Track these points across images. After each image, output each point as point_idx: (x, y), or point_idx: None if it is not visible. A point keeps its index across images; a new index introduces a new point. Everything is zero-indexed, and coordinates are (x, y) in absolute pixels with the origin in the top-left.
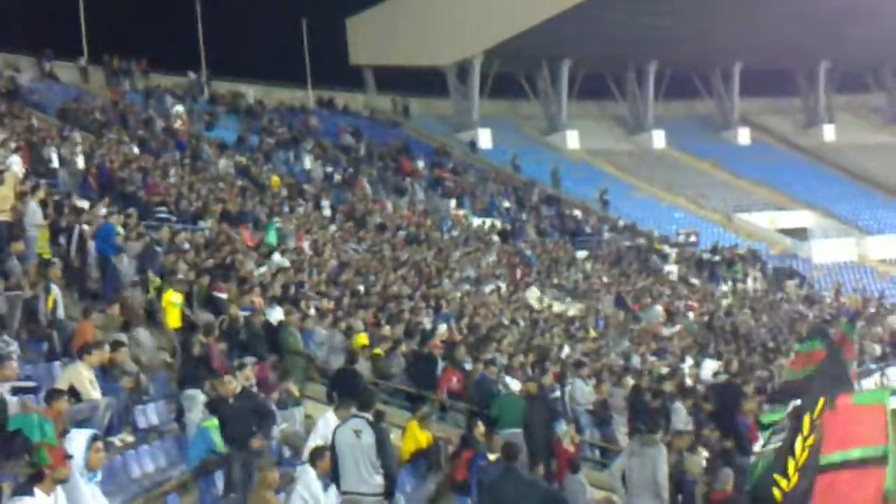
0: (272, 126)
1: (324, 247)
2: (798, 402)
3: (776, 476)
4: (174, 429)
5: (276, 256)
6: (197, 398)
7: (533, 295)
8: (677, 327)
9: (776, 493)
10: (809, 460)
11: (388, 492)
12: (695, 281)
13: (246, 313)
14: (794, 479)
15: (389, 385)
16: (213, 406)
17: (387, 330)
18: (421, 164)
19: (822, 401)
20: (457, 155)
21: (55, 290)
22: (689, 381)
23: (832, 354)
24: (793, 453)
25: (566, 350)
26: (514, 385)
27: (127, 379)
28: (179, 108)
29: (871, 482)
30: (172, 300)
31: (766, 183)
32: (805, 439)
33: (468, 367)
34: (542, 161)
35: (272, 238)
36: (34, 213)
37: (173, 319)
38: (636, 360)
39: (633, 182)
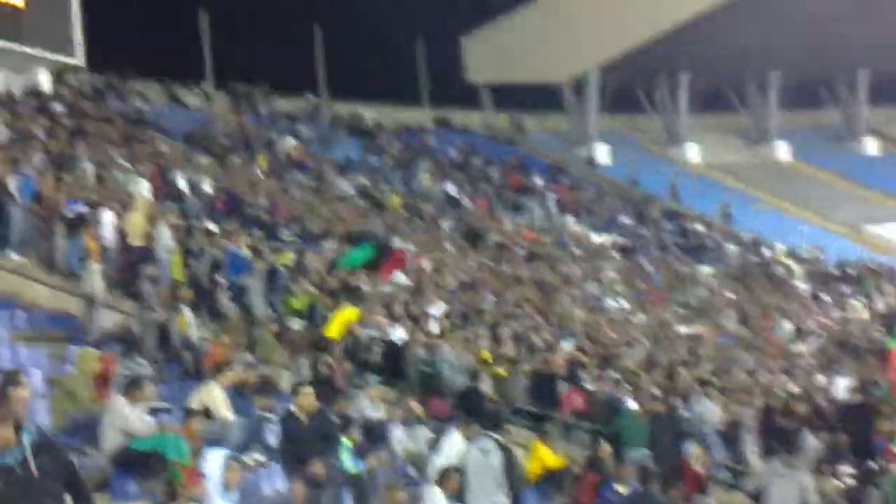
0: (391, 146)
1: (443, 265)
2: None
3: None
4: None
5: (398, 275)
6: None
7: (657, 314)
8: (806, 344)
9: None
10: None
11: None
12: (824, 296)
13: (369, 333)
14: None
15: (511, 404)
16: (284, 420)
17: (508, 348)
18: (538, 180)
19: None
20: (574, 171)
21: (187, 312)
22: (820, 401)
23: None
24: None
25: (691, 368)
26: (633, 404)
27: (259, 398)
28: (291, 142)
29: None
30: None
31: None
32: None
33: (591, 386)
34: (662, 175)
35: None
36: (165, 236)
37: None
38: (765, 378)
39: (756, 195)
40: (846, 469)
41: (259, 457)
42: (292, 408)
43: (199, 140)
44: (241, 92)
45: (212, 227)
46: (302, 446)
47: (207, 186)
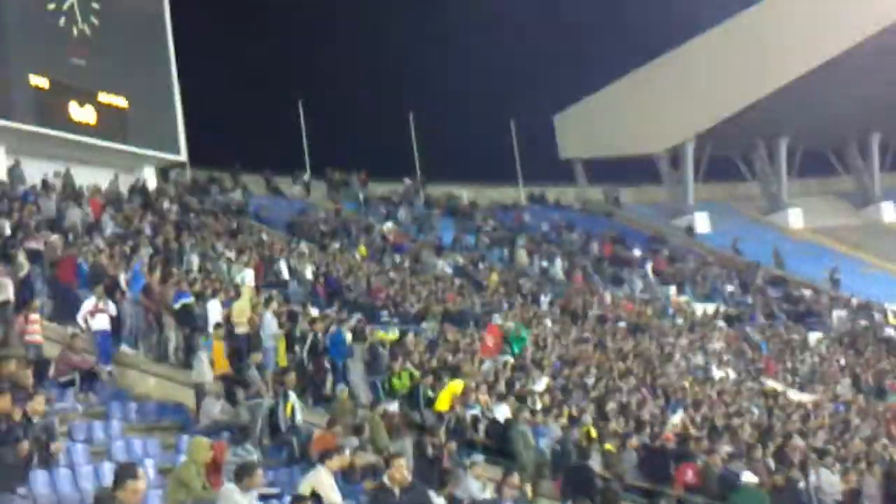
0: (486, 224)
1: (545, 341)
2: None
3: None
4: None
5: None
6: (432, 499)
7: (769, 383)
8: None
9: None
10: None
11: None
12: None
13: (473, 412)
14: None
15: (622, 480)
16: (375, 494)
17: (615, 423)
18: (637, 252)
19: None
20: (673, 241)
21: (292, 397)
22: None
23: None
24: None
25: (806, 438)
26: (750, 477)
27: (369, 482)
28: (389, 225)
29: None
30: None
31: None
32: None
33: (703, 459)
34: (764, 242)
35: (516, 347)
36: (270, 323)
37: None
38: (883, 446)
39: (863, 257)
40: None
41: None
42: (385, 480)
43: (299, 228)
44: (338, 179)
45: (314, 312)
46: None
47: (308, 273)
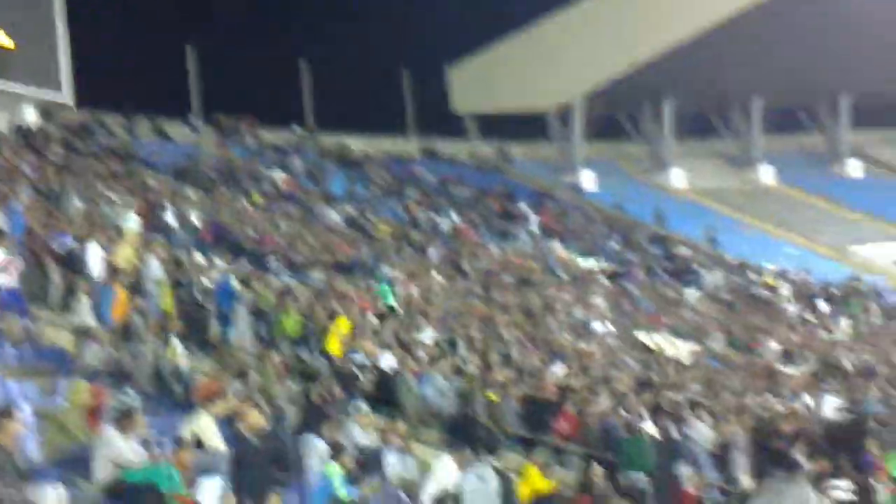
0: (378, 176)
1: (432, 293)
2: None
3: None
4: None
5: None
6: (317, 445)
7: (645, 337)
8: (794, 365)
9: None
10: None
11: None
12: (810, 317)
13: (358, 358)
14: None
15: (504, 429)
16: (233, 440)
17: (499, 374)
18: (525, 208)
19: None
20: (561, 197)
21: (176, 343)
22: (808, 420)
23: None
24: None
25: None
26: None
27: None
28: (280, 174)
29: None
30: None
31: (882, 215)
32: None
33: (583, 410)
34: (648, 201)
35: (388, 299)
36: (154, 268)
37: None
38: (753, 399)
39: (742, 219)
40: (842, 484)
41: None
42: (241, 428)
43: (186, 174)
44: (227, 125)
45: (200, 258)
46: (252, 470)
47: (195, 219)
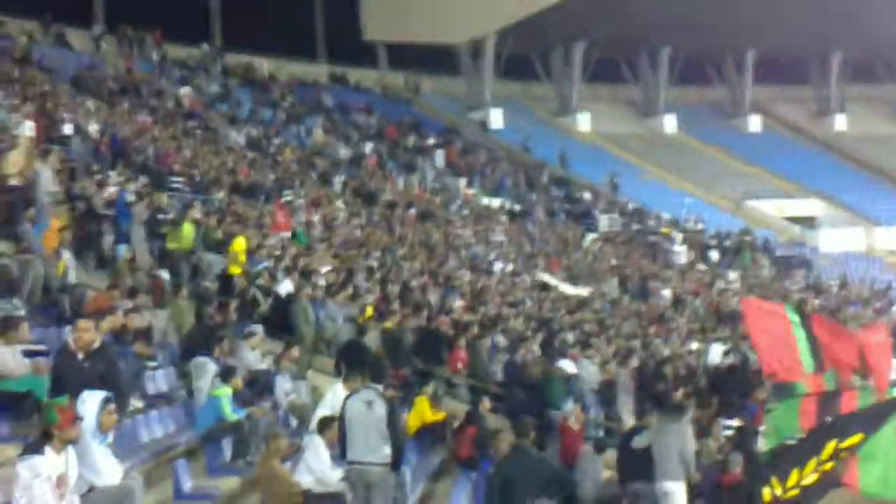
0: (284, 100)
1: (333, 222)
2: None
3: (773, 478)
4: (183, 396)
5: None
6: (206, 366)
7: (543, 276)
8: (683, 311)
9: (766, 493)
10: (819, 484)
11: (395, 463)
12: (702, 266)
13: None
14: (793, 493)
15: (397, 360)
16: (57, 356)
17: (395, 306)
18: (432, 141)
19: (859, 437)
20: (468, 134)
21: (66, 256)
22: (692, 364)
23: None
24: (801, 467)
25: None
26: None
27: (139, 344)
28: (186, 90)
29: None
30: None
31: (776, 171)
32: (821, 463)
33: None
34: (553, 143)
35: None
36: (47, 179)
37: None
38: (642, 343)
39: (643, 166)
40: (731, 423)
41: (138, 403)
42: (69, 342)
43: (86, 83)
44: (131, 36)
45: (95, 171)
46: (73, 385)
47: (93, 131)
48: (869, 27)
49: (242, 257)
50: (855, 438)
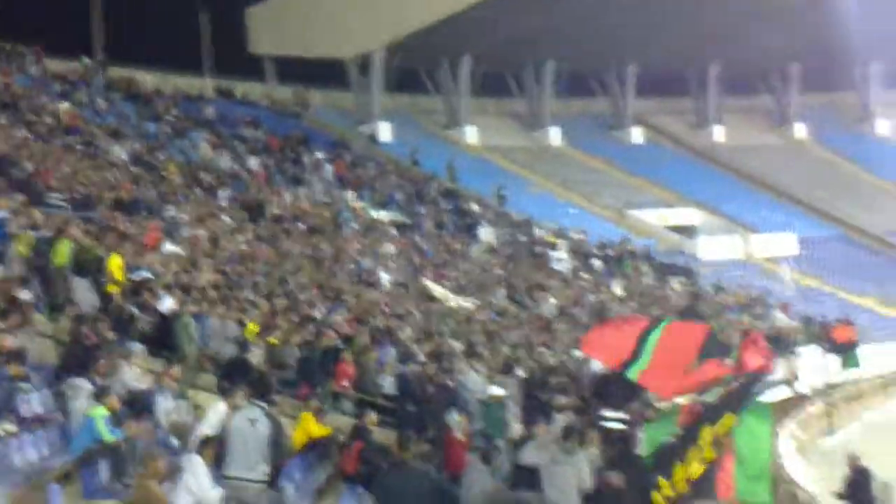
0: (169, 114)
1: (219, 236)
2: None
3: (660, 479)
4: (58, 418)
5: (168, 245)
6: (82, 387)
7: (431, 288)
8: (567, 319)
9: (657, 497)
10: (704, 475)
11: (272, 482)
12: (585, 275)
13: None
14: (682, 488)
15: (282, 375)
16: None
17: (281, 320)
18: (320, 155)
19: (731, 419)
20: (357, 147)
21: None
22: (576, 373)
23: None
24: (682, 460)
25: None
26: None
27: (12, 366)
28: (65, 105)
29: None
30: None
31: (658, 181)
32: (701, 451)
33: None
34: (442, 156)
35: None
36: None
37: None
38: (527, 352)
39: (529, 178)
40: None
41: (9, 427)
42: None
43: None
44: (10, 51)
45: None
46: None
47: None
48: (745, 40)
49: (119, 275)
50: (727, 421)
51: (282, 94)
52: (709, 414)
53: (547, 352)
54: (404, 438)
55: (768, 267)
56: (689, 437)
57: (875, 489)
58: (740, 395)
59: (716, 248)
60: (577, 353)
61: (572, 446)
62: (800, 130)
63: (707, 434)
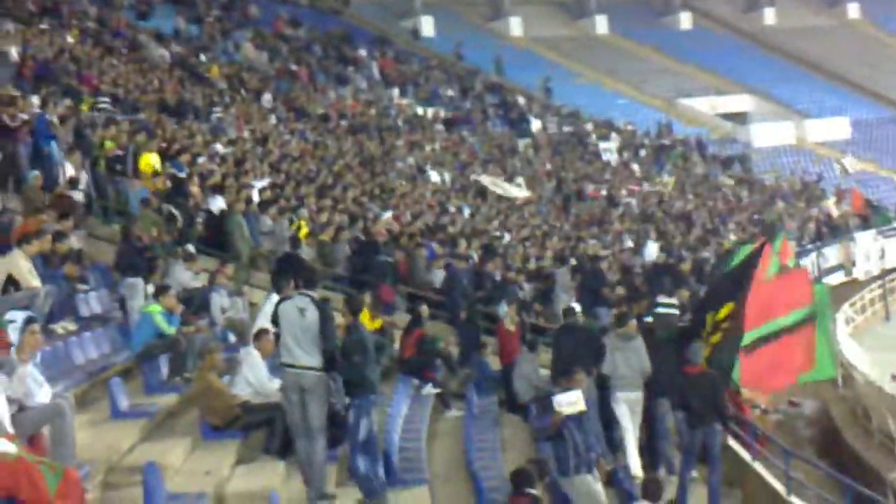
0: (210, 14)
1: (266, 137)
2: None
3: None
4: (118, 317)
5: (218, 146)
6: (138, 286)
7: (484, 181)
8: (618, 211)
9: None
10: (713, 355)
11: (329, 367)
12: (636, 166)
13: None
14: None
15: (333, 271)
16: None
17: (331, 217)
18: (363, 52)
19: (729, 306)
20: (399, 43)
21: None
22: (627, 262)
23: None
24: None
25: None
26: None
27: (69, 267)
28: (106, 9)
29: (801, 342)
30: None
31: (707, 68)
32: (707, 335)
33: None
34: (486, 49)
35: None
36: None
37: None
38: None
39: (575, 68)
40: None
41: (69, 325)
42: None
43: (3, 4)
44: None
45: (16, 94)
46: None
47: (14, 53)
48: None
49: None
50: (726, 308)
51: None
52: (710, 302)
53: (597, 243)
54: (352, 301)
55: (821, 152)
56: (698, 323)
57: None
58: (735, 285)
59: (768, 134)
60: (628, 243)
61: (625, 332)
62: (853, 10)
63: (710, 321)
